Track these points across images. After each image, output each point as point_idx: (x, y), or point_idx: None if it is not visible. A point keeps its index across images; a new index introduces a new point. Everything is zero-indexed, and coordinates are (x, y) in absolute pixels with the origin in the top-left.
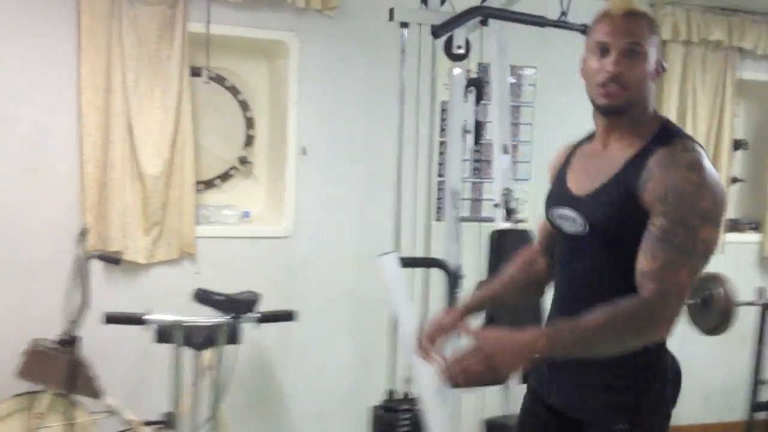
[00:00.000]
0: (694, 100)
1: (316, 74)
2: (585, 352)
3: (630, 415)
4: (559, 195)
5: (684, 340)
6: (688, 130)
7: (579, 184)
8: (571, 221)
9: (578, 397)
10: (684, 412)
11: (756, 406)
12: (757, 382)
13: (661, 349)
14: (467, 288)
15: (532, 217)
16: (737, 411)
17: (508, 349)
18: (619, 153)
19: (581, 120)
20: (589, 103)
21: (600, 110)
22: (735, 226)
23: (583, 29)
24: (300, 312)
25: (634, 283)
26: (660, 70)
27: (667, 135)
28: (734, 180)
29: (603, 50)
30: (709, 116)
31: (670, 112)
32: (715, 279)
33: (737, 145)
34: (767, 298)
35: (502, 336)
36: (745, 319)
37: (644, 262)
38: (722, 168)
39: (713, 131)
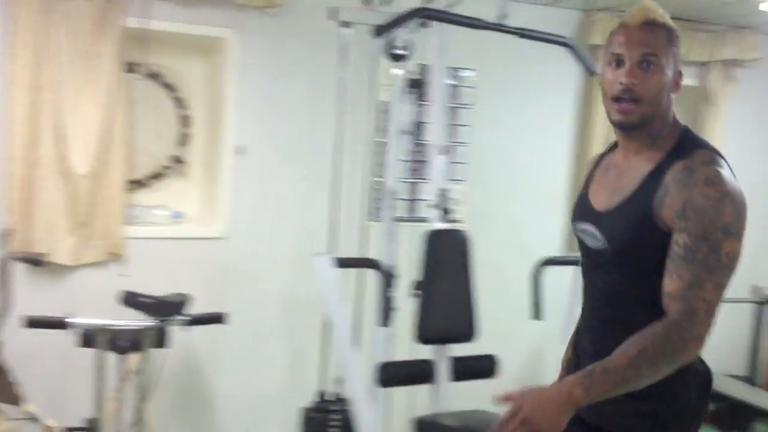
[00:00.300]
0: None
1: (255, 72)
2: (623, 389)
3: (652, 423)
4: (581, 208)
5: None
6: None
7: (599, 198)
8: (592, 237)
9: (602, 405)
10: None
11: None
12: None
13: None
14: (402, 288)
15: (469, 217)
16: None
17: (546, 408)
18: (637, 167)
19: (518, 123)
20: (528, 107)
21: (614, 126)
22: None
23: (521, 33)
24: (232, 314)
25: (656, 300)
26: (679, 81)
27: (686, 147)
28: None
29: (618, 61)
30: None
31: (598, 117)
32: None
33: None
34: None
35: (537, 395)
36: None
37: (669, 282)
38: None
39: None
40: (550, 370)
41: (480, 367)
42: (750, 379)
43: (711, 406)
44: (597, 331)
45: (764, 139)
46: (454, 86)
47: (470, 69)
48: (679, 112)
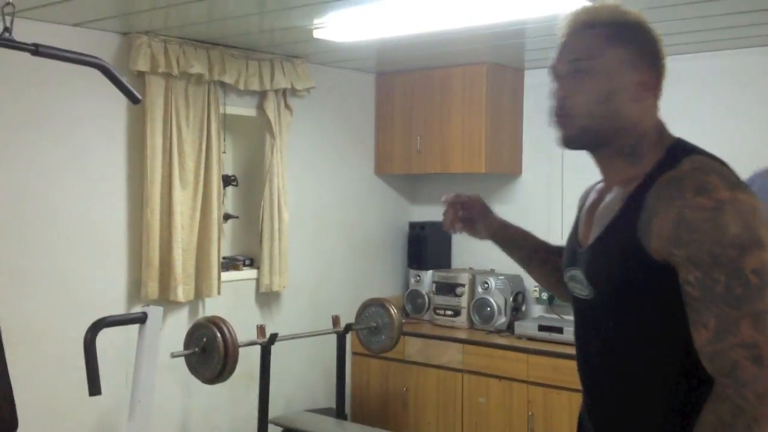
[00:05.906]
0: (179, 137)
1: None
2: None
3: None
4: (569, 252)
5: (189, 392)
6: (176, 168)
7: (583, 234)
8: (579, 283)
9: None
10: None
11: None
12: (264, 423)
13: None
14: None
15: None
16: None
17: None
18: (618, 192)
19: (54, 160)
20: (67, 141)
21: (561, 146)
22: (231, 263)
23: (35, 49)
24: None
25: (663, 370)
26: (650, 82)
27: (673, 157)
28: (227, 217)
29: (555, 78)
30: (196, 153)
31: (155, 150)
32: (213, 323)
33: (227, 181)
34: (267, 336)
35: None
36: (250, 359)
37: (696, 337)
38: (213, 206)
39: (202, 168)
40: None
41: None
42: (339, 411)
43: None
44: (599, 414)
45: (320, 168)
46: None
47: None
48: (237, 142)
